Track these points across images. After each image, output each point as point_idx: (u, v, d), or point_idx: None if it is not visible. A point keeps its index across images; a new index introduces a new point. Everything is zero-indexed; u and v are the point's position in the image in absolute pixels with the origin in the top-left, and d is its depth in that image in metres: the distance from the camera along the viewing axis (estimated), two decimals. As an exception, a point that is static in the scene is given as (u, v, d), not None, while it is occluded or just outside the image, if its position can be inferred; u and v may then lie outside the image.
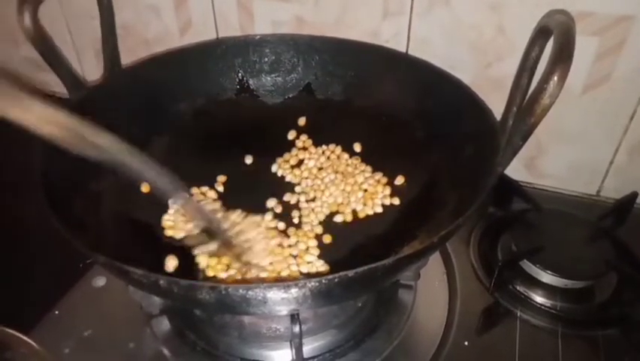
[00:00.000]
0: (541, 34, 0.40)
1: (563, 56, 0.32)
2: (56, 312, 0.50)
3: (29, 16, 0.42)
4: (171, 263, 0.44)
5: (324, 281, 0.31)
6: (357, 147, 0.59)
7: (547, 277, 0.52)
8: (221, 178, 0.55)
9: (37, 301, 0.51)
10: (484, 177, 0.40)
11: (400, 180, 0.54)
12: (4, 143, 0.70)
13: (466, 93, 0.49)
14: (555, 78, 0.32)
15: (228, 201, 0.51)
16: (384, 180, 0.54)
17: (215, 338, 0.48)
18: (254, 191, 0.54)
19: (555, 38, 0.34)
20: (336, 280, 0.31)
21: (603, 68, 0.55)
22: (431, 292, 0.53)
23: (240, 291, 0.30)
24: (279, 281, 0.39)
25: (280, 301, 0.31)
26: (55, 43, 0.48)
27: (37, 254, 0.56)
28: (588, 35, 0.53)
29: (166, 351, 0.48)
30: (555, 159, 0.63)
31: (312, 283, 0.30)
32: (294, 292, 0.31)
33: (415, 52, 0.61)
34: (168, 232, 0.48)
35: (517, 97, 0.42)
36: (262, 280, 0.41)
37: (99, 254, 0.33)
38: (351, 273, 0.30)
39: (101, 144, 0.34)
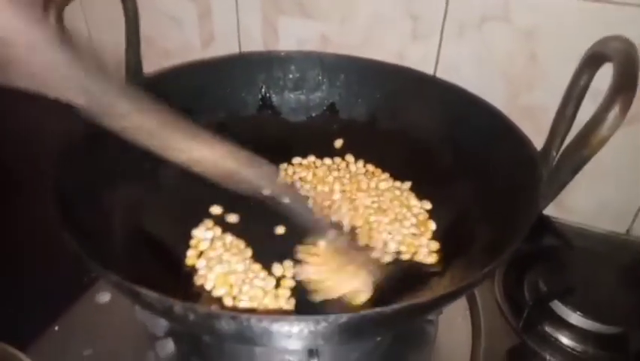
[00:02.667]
0: (592, 61, 0.38)
1: (626, 85, 0.30)
2: (56, 328, 0.47)
3: (54, 17, 0.40)
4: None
5: (356, 316, 0.28)
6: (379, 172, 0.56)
7: (578, 320, 0.48)
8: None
9: (37, 315, 0.48)
10: (523, 212, 0.37)
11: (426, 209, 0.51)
12: (13, 149, 0.68)
13: (501, 121, 0.47)
14: (617, 108, 0.30)
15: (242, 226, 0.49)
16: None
17: (223, 366, 0.45)
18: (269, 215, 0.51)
19: (616, 66, 0.32)
20: (369, 316, 0.28)
21: (641, 102, 0.53)
22: (453, 328, 0.49)
23: (264, 323, 0.27)
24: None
25: (306, 335, 0.29)
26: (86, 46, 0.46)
27: (39, 266, 0.53)
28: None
29: (170, 377, 0.45)
30: (585, 195, 0.61)
31: (344, 319, 0.27)
32: (322, 326, 0.28)
33: (443, 77, 0.60)
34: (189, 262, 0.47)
35: (561, 127, 0.40)
36: (284, 312, 0.38)
37: (111, 273, 0.30)
38: (388, 310, 0.28)
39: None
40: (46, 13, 0.39)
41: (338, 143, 0.59)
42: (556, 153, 0.39)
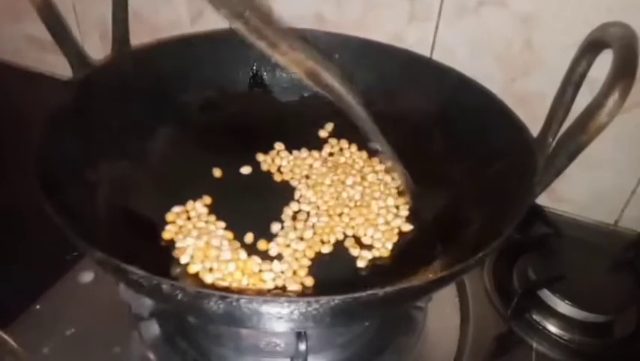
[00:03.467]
0: (591, 47, 0.37)
1: (626, 71, 0.30)
2: (37, 307, 0.46)
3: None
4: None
5: (348, 299, 0.27)
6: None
7: (565, 308, 0.49)
8: (217, 172, 0.52)
9: (18, 293, 0.47)
10: (518, 198, 0.37)
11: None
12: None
13: (497, 105, 0.47)
14: (616, 95, 0.29)
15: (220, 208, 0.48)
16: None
17: (209, 348, 0.44)
18: (252, 197, 0.51)
19: (616, 52, 0.31)
20: (361, 299, 0.27)
21: (638, 91, 0.52)
22: (442, 315, 0.49)
23: (254, 303, 0.27)
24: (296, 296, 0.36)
25: (296, 317, 0.28)
26: (63, 18, 0.44)
27: (21, 243, 0.52)
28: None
29: (154, 358, 0.44)
30: (576, 184, 0.61)
31: (336, 301, 0.27)
32: (313, 308, 0.27)
33: (439, 60, 0.59)
34: (166, 235, 0.45)
35: (559, 114, 0.39)
36: (275, 293, 0.38)
37: (96, 249, 0.29)
38: (380, 292, 0.27)
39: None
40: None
41: (329, 127, 0.58)
42: (553, 140, 0.39)
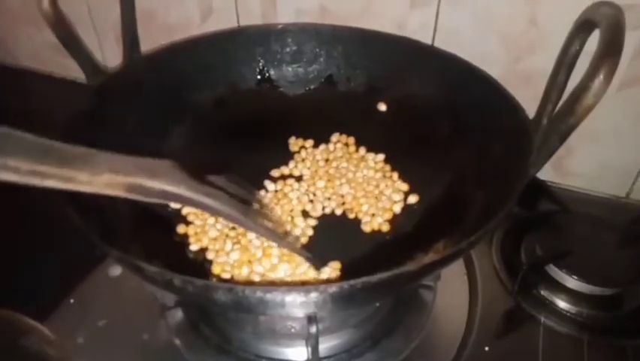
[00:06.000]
0: (583, 27, 0.37)
1: (611, 51, 0.30)
2: (71, 300, 0.50)
3: (47, 1, 0.41)
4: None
5: (345, 286, 0.29)
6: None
7: (573, 283, 0.50)
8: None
9: (53, 288, 0.51)
10: (514, 179, 0.38)
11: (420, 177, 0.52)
12: (23, 126, 0.70)
13: (495, 88, 0.47)
14: (601, 76, 0.30)
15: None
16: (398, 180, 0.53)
17: (230, 333, 0.47)
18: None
19: (602, 32, 0.32)
20: (358, 285, 0.29)
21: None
22: (451, 293, 0.51)
23: (258, 294, 0.29)
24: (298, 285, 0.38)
25: (299, 304, 0.30)
26: (75, 28, 0.47)
27: (53, 241, 0.55)
28: (629, 30, 0.50)
29: (179, 344, 0.47)
30: (584, 159, 0.61)
31: (333, 289, 0.29)
32: (313, 296, 0.29)
33: (442, 43, 0.59)
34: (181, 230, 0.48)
35: (553, 94, 0.40)
36: (281, 283, 0.40)
37: (113, 248, 0.32)
38: (374, 278, 0.29)
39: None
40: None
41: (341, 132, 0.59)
42: (547, 121, 0.40)
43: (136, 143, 0.50)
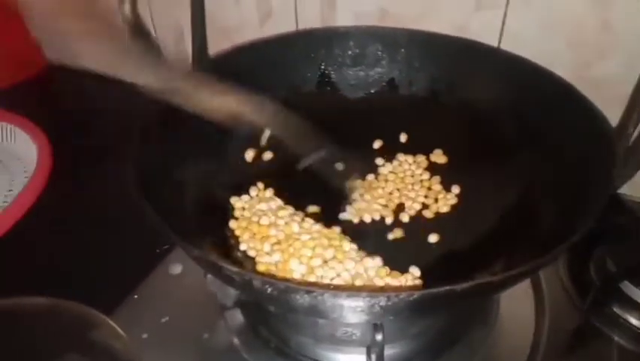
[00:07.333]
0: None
1: None
2: (135, 296, 0.51)
3: (129, 7, 0.42)
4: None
5: (426, 294, 0.28)
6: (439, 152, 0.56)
7: (649, 301, 0.47)
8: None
9: (117, 285, 0.52)
10: (597, 191, 0.36)
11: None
12: (95, 125, 0.73)
13: (571, 93, 0.45)
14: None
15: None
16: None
17: (289, 335, 0.47)
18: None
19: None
20: (439, 294, 0.28)
21: None
22: (516, 306, 0.49)
23: (337, 297, 0.29)
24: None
25: (377, 310, 0.30)
26: (153, 35, 0.48)
27: (117, 240, 0.57)
28: None
29: (239, 344, 0.47)
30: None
31: (415, 296, 0.28)
32: (393, 302, 0.29)
33: (507, 47, 0.58)
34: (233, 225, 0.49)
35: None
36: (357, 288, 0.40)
37: (193, 248, 0.32)
38: (458, 287, 0.28)
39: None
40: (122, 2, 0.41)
41: (403, 137, 0.59)
42: (634, 130, 0.38)
43: (203, 141, 0.52)
